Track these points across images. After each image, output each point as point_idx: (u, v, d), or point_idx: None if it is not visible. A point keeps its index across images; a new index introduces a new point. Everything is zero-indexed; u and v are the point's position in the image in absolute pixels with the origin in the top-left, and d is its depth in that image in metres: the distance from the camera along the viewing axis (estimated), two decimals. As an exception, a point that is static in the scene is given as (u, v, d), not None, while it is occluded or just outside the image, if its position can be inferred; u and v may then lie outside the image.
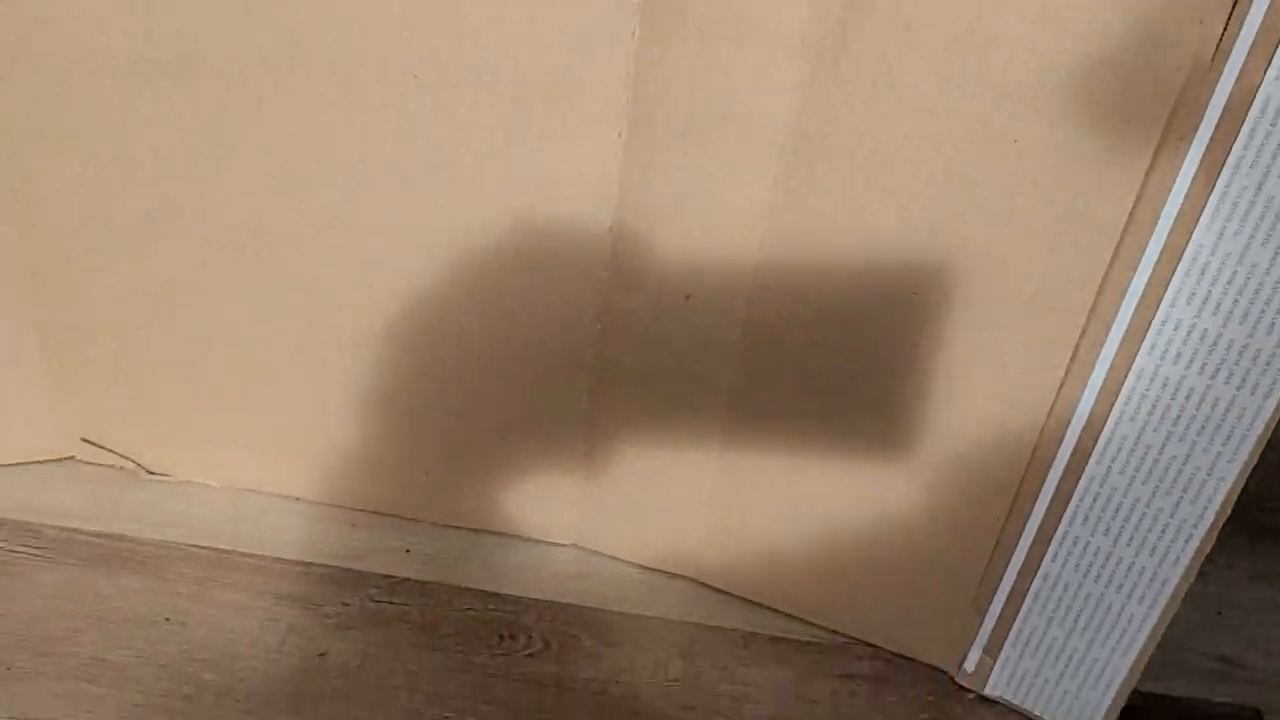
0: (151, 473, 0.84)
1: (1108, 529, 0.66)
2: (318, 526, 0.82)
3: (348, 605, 0.76)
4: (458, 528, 0.83)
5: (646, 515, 0.80)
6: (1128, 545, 0.65)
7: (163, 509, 0.81)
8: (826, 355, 0.68)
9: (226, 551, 0.79)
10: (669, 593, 0.80)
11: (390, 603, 0.76)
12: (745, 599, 0.80)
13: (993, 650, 0.73)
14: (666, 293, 0.69)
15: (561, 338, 0.72)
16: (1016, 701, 0.74)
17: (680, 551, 0.80)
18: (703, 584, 0.81)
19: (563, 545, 0.83)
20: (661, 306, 0.69)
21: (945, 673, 0.76)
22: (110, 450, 0.83)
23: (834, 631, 0.78)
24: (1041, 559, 0.68)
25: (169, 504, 0.82)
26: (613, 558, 0.82)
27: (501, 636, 0.75)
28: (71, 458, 0.84)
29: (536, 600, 0.78)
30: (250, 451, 0.82)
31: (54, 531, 0.78)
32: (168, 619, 0.73)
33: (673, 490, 0.77)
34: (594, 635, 0.76)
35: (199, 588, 0.75)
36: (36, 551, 0.77)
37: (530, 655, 0.74)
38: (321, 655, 0.72)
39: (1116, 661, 0.69)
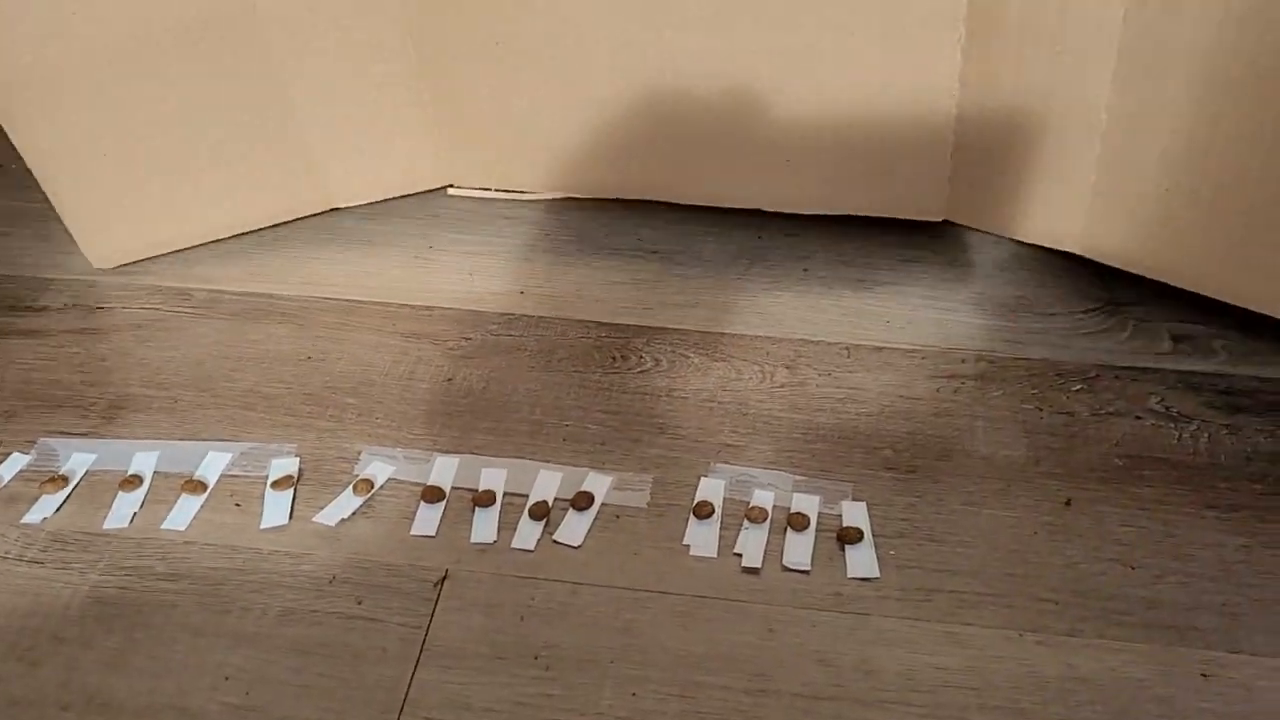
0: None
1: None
2: (438, 278, 0.87)
3: (470, 339, 0.81)
4: (570, 267, 0.87)
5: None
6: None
7: (300, 270, 0.88)
8: None
9: (359, 302, 0.84)
10: (774, 313, 0.83)
11: (509, 335, 0.81)
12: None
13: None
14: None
15: None
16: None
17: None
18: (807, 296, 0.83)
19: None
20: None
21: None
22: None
23: (938, 339, 0.80)
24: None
25: (305, 266, 0.88)
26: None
27: (614, 358, 0.79)
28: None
29: (646, 326, 0.82)
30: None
31: (203, 294, 0.86)
32: (309, 357, 0.79)
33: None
34: (703, 353, 0.79)
35: (337, 331, 0.82)
36: (190, 310, 0.84)
37: (642, 372, 0.78)
38: (449, 380, 0.77)
39: None
